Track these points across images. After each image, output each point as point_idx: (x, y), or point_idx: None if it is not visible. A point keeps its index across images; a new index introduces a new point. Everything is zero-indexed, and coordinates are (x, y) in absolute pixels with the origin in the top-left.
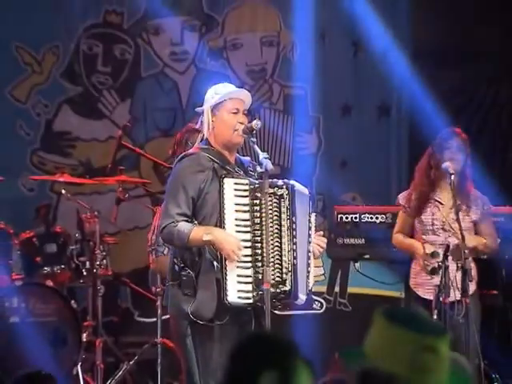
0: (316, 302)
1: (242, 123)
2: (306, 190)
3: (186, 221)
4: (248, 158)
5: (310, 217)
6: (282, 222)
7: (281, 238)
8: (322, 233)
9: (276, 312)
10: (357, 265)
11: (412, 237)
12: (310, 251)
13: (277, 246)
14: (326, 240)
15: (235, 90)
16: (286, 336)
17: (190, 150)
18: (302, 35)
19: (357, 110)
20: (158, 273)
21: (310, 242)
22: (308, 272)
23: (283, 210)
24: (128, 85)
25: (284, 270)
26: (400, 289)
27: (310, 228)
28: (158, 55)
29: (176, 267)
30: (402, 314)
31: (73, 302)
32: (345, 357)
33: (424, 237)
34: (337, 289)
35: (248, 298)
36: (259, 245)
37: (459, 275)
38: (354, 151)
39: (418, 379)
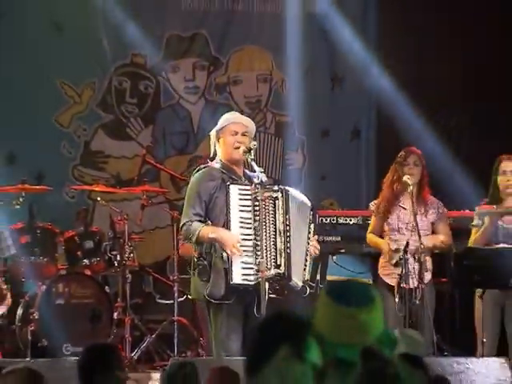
0: (303, 288)
1: (240, 143)
2: (307, 202)
3: (200, 220)
4: (255, 174)
5: (310, 224)
6: (277, 219)
7: (276, 232)
8: (316, 237)
9: (273, 296)
10: (334, 257)
11: (382, 236)
12: (308, 250)
13: (273, 237)
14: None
15: (234, 116)
16: (299, 315)
17: (204, 165)
18: (289, 73)
19: (334, 134)
20: (185, 256)
21: (308, 244)
22: (305, 266)
23: (277, 209)
24: (150, 113)
25: (278, 257)
26: (369, 277)
27: (309, 233)
28: (174, 89)
29: (195, 258)
30: (336, 289)
31: (106, 287)
32: None
33: (391, 236)
34: (318, 277)
35: (250, 280)
36: (259, 237)
37: (417, 266)
38: (332, 167)
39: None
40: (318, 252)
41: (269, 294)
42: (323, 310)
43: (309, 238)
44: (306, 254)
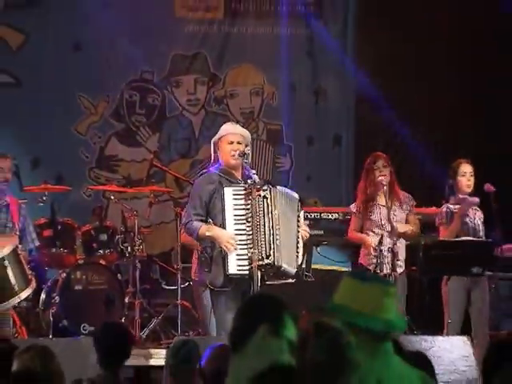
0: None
1: (235, 151)
2: (295, 195)
3: (201, 220)
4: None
5: (298, 212)
6: (267, 215)
7: (266, 226)
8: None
9: (268, 282)
10: (318, 249)
11: (361, 232)
12: (298, 237)
13: (263, 231)
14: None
15: (231, 127)
16: (276, 297)
17: (205, 170)
18: (279, 88)
19: (317, 141)
20: (186, 243)
21: (298, 231)
22: (297, 252)
23: (267, 206)
24: (157, 123)
25: (268, 248)
26: (348, 265)
27: (298, 221)
28: (178, 101)
29: (198, 251)
30: (362, 274)
31: (118, 275)
32: (312, 310)
33: (374, 230)
34: (304, 265)
35: (244, 270)
36: (251, 232)
37: (390, 256)
38: (316, 169)
39: (376, 318)
40: (308, 235)
41: (266, 281)
42: (350, 286)
43: (298, 226)
44: (298, 242)
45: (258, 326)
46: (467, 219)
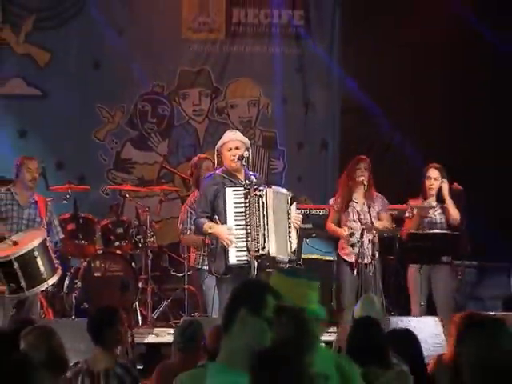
0: (289, 264)
1: (235, 156)
2: (285, 192)
3: (206, 216)
4: (256, 175)
5: (289, 206)
6: (262, 211)
7: (260, 222)
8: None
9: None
10: (307, 240)
11: (339, 224)
12: (290, 227)
13: (258, 226)
14: (301, 217)
15: (232, 135)
16: (261, 282)
17: (211, 172)
18: (273, 100)
19: (307, 146)
20: (185, 245)
21: (289, 222)
22: (289, 241)
23: (262, 203)
24: (166, 130)
25: (262, 241)
26: (333, 255)
27: (289, 213)
28: (184, 112)
29: (206, 245)
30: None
31: (133, 263)
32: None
33: (348, 224)
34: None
35: (243, 260)
36: (249, 227)
37: (370, 247)
38: (305, 171)
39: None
40: (299, 222)
41: (265, 268)
42: (281, 281)
43: (289, 218)
44: (289, 232)
45: (239, 307)
46: (428, 216)
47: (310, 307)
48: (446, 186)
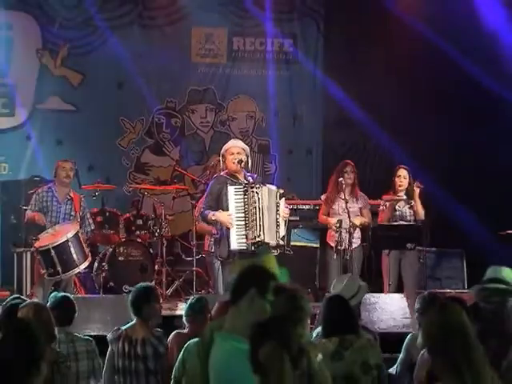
0: (277, 249)
1: (236, 159)
2: (275, 189)
3: (210, 208)
4: (253, 176)
5: (277, 199)
6: (257, 206)
7: (256, 215)
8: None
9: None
10: (295, 230)
11: (328, 215)
12: (278, 218)
13: (254, 218)
14: (288, 211)
15: (234, 142)
16: (266, 269)
17: (216, 174)
18: (267, 113)
19: (295, 151)
20: (200, 230)
21: (278, 214)
22: (277, 231)
23: (257, 200)
24: (178, 139)
25: (258, 230)
26: (317, 242)
27: (278, 206)
28: (193, 124)
29: (212, 234)
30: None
31: (150, 249)
32: None
33: (334, 216)
34: (285, 242)
35: (242, 246)
36: (247, 218)
37: (347, 236)
38: (294, 173)
39: None
40: (287, 215)
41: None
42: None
43: (277, 211)
44: (277, 222)
45: (250, 289)
46: (396, 207)
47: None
48: (417, 190)
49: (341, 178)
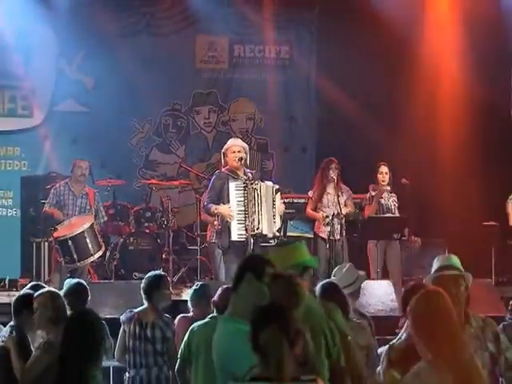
0: (274, 240)
1: (236, 157)
2: (272, 185)
3: (213, 202)
4: (252, 172)
5: (274, 195)
6: (256, 201)
7: (255, 208)
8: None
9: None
10: (291, 222)
11: (315, 210)
12: (274, 211)
13: (253, 211)
14: (284, 206)
15: (234, 141)
16: (262, 256)
17: (218, 170)
18: (265, 115)
19: (291, 150)
20: (204, 220)
21: (274, 208)
22: (274, 223)
23: (256, 195)
24: (184, 138)
25: (257, 223)
26: (311, 233)
27: (274, 201)
28: (198, 124)
29: (214, 225)
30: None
31: (158, 239)
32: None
33: (323, 209)
34: (282, 233)
35: (242, 237)
36: (247, 212)
37: (339, 227)
38: (290, 169)
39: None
40: (282, 209)
41: (259, 244)
42: (277, 250)
43: (274, 204)
44: (274, 215)
45: (246, 272)
46: (382, 201)
47: (303, 260)
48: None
49: (332, 175)
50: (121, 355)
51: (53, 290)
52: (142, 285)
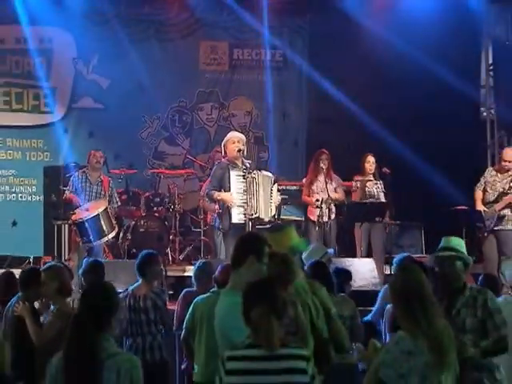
0: (270, 223)
1: (236, 148)
2: (270, 175)
3: (215, 189)
4: (249, 162)
5: (271, 185)
6: (254, 188)
7: (254, 195)
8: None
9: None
10: (284, 206)
11: (309, 196)
12: (271, 199)
13: (252, 197)
14: (280, 198)
15: (234, 134)
16: (260, 235)
17: (219, 160)
18: (261, 111)
19: (285, 142)
20: (203, 207)
21: (271, 196)
22: (270, 209)
23: (255, 183)
24: (188, 132)
25: (255, 207)
26: (302, 216)
27: (271, 191)
28: (201, 119)
29: (216, 209)
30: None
31: (166, 222)
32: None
33: (315, 195)
34: (276, 216)
35: (241, 220)
36: (246, 198)
37: (327, 211)
38: (283, 160)
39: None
40: (279, 200)
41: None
42: (270, 236)
43: (271, 193)
44: (271, 202)
45: (249, 255)
46: (367, 189)
47: (294, 243)
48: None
49: (322, 165)
50: (122, 327)
51: (59, 264)
52: (135, 262)
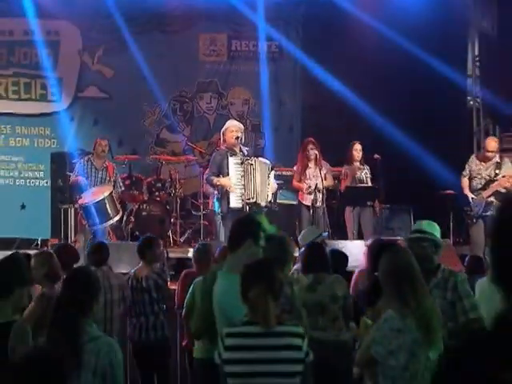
0: (267, 207)
1: (234, 136)
2: (267, 162)
3: (214, 175)
4: (247, 149)
5: (269, 172)
6: (251, 174)
7: (251, 181)
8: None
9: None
10: (280, 191)
11: (299, 182)
12: (268, 185)
13: (249, 182)
14: (276, 186)
15: (232, 122)
16: (256, 218)
17: (218, 148)
18: (258, 100)
19: (280, 129)
20: (205, 191)
21: (268, 182)
22: (267, 195)
23: (252, 169)
24: (189, 120)
25: (253, 192)
26: (296, 200)
27: (268, 177)
28: (201, 108)
29: (215, 194)
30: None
31: (167, 206)
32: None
33: (306, 181)
34: (272, 201)
35: (240, 204)
36: (244, 183)
37: (320, 196)
38: (279, 147)
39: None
40: (275, 187)
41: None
42: None
43: (268, 179)
44: (267, 187)
45: (247, 238)
46: (356, 175)
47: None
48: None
49: (311, 152)
50: (128, 306)
51: (49, 250)
52: (136, 245)
